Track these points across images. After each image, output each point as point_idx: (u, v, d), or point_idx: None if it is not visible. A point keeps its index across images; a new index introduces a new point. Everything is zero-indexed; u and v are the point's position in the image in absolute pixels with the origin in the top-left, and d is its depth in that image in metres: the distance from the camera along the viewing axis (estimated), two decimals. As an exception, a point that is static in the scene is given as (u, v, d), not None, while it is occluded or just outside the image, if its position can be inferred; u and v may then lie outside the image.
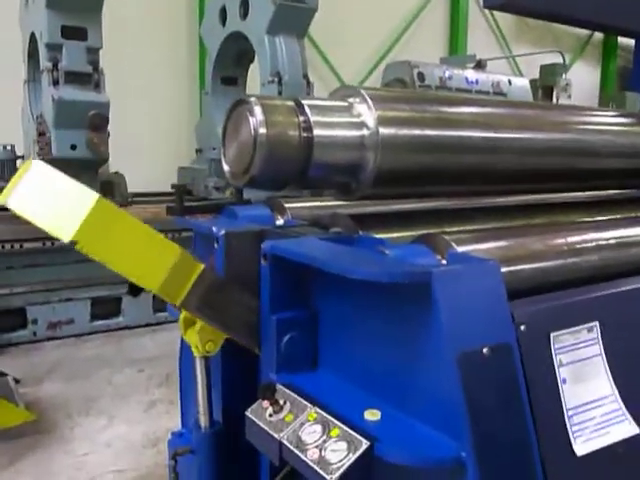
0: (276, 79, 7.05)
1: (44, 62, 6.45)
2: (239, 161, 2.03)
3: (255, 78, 7.92)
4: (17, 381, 5.06)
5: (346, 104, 2.06)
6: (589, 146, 2.53)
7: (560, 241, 2.09)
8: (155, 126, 10.76)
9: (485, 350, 1.55)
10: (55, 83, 6.37)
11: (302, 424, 1.67)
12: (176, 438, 2.59)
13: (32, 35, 6.90)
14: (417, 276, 1.56)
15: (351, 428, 1.58)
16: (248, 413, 1.81)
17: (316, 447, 1.58)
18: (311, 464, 1.54)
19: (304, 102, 2.00)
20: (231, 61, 8.37)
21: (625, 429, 1.80)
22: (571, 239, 2.11)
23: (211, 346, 2.07)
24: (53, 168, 1.75)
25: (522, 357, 1.63)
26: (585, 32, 18.49)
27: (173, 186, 7.57)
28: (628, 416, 1.82)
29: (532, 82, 12.98)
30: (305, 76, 7.31)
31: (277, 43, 7.08)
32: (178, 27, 11.29)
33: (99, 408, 4.93)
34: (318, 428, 1.63)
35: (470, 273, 1.63)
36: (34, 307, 6.34)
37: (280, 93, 6.98)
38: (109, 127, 6.61)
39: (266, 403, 1.77)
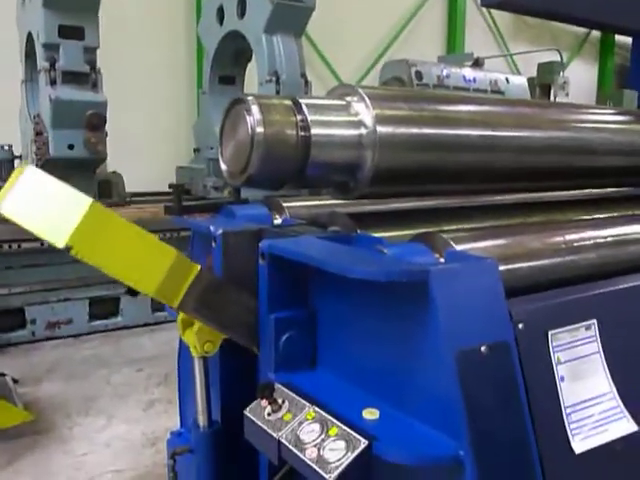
0: (274, 78, 7.04)
1: (41, 62, 6.45)
2: (237, 160, 2.03)
3: (253, 77, 7.91)
4: (16, 381, 5.06)
5: (344, 103, 2.06)
6: (587, 144, 2.53)
7: (558, 239, 2.09)
8: (153, 126, 10.74)
9: (483, 348, 1.55)
10: (52, 83, 6.37)
11: (300, 423, 1.67)
12: (175, 437, 2.60)
13: (29, 35, 6.89)
14: (415, 275, 1.56)
15: (349, 427, 1.58)
16: (247, 412, 1.81)
17: (315, 446, 1.58)
18: (310, 463, 1.54)
19: (301, 101, 2.01)
20: (229, 60, 8.36)
21: (623, 426, 1.80)
22: (569, 237, 2.11)
23: (210, 347, 2.07)
24: (46, 173, 1.75)
25: (520, 355, 1.63)
26: (583, 30, 18.48)
27: (171, 185, 7.57)
28: (626, 413, 1.82)
29: (530, 80, 12.96)
30: (303, 75, 7.30)
31: (275, 42, 7.07)
32: (176, 26, 11.27)
33: (98, 408, 4.93)
34: (316, 427, 1.63)
35: (468, 271, 1.63)
36: (33, 307, 6.35)
37: (278, 92, 6.97)
38: (106, 127, 6.60)
39: (265, 402, 1.77)
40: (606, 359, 1.85)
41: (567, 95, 13.01)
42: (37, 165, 6.66)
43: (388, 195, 2.37)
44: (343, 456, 1.51)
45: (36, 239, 5.84)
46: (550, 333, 1.74)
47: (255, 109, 1.93)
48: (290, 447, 1.62)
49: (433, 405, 1.58)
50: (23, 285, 6.26)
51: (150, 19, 10.80)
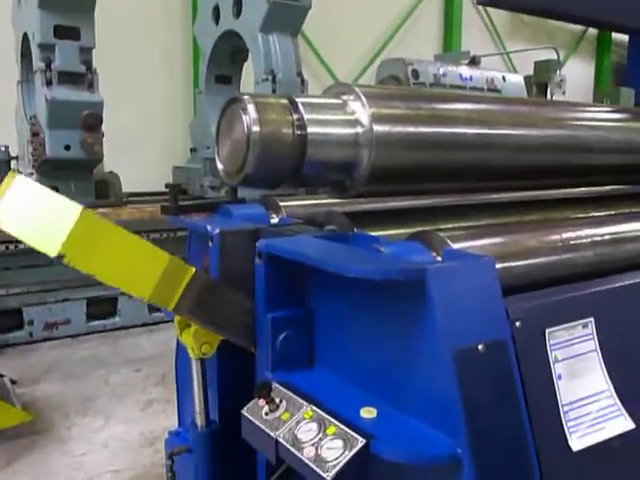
0: (270, 77, 7.04)
1: (37, 62, 6.44)
2: (233, 159, 2.03)
3: (249, 76, 7.91)
4: (14, 382, 5.06)
5: (340, 102, 2.06)
6: (583, 142, 2.53)
7: (555, 237, 2.09)
8: (150, 126, 10.74)
9: (480, 347, 1.55)
10: (48, 83, 6.36)
11: (298, 422, 1.67)
12: (173, 437, 2.60)
13: (25, 35, 6.88)
14: (412, 273, 1.56)
15: (347, 426, 1.58)
16: (244, 412, 1.81)
17: (312, 445, 1.58)
18: (307, 462, 1.54)
19: (298, 100, 2.01)
20: (225, 60, 8.35)
21: (620, 424, 1.80)
22: (566, 235, 2.11)
23: (207, 348, 2.07)
24: (35, 182, 1.75)
25: (517, 353, 1.63)
26: (579, 28, 18.51)
27: (167, 185, 7.55)
28: (623, 411, 1.83)
29: (526, 78, 12.97)
30: (299, 74, 7.30)
31: (271, 41, 7.07)
32: (172, 26, 11.26)
33: (96, 408, 4.93)
34: (314, 426, 1.63)
35: (465, 270, 1.63)
36: (30, 308, 6.34)
37: (274, 91, 6.96)
38: (103, 127, 6.60)
39: (262, 402, 1.76)
40: (603, 357, 1.85)
41: (564, 93, 13.01)
42: (34, 166, 6.66)
43: (385, 194, 2.36)
44: (341, 455, 1.51)
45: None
46: (547, 331, 1.74)
47: (251, 108, 1.93)
48: (288, 446, 1.62)
49: (430, 404, 1.58)
50: (21, 286, 6.26)
51: (146, 19, 10.79)
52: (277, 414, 1.73)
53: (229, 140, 2.05)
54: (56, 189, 6.46)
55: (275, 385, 1.82)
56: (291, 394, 1.78)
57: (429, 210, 2.47)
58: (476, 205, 2.59)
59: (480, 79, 11.72)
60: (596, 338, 1.84)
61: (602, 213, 2.64)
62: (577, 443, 1.71)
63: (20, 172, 7.14)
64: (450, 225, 2.23)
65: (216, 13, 7.88)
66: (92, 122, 6.40)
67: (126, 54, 10.17)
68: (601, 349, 1.85)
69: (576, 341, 1.81)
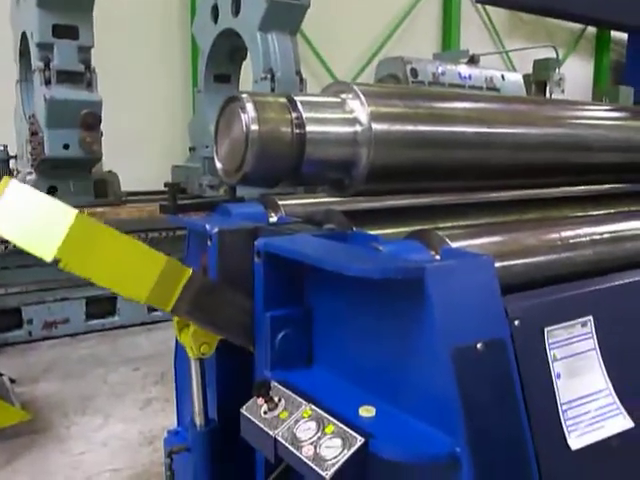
0: (269, 76, 7.03)
1: (35, 62, 6.44)
2: (232, 158, 2.03)
3: (248, 75, 7.90)
4: (13, 381, 5.06)
5: (339, 100, 2.06)
6: (582, 140, 2.53)
7: (554, 236, 2.09)
8: (149, 124, 10.73)
9: (479, 345, 1.55)
10: (47, 82, 6.36)
11: (297, 421, 1.67)
12: (172, 436, 2.60)
13: (23, 34, 6.88)
14: (410, 272, 1.56)
15: (346, 425, 1.58)
16: (243, 410, 1.81)
17: (311, 444, 1.58)
18: (306, 461, 1.54)
19: (296, 98, 2.00)
20: (224, 58, 8.34)
21: (619, 423, 1.80)
22: (565, 234, 2.11)
23: (206, 348, 2.07)
24: (30, 187, 1.74)
25: (516, 352, 1.63)
26: (578, 26, 18.52)
27: (166, 184, 7.56)
28: (622, 410, 1.82)
29: (525, 77, 12.97)
30: (298, 73, 7.29)
31: (269, 40, 7.06)
32: (170, 25, 11.26)
33: (95, 407, 4.93)
34: (313, 425, 1.63)
35: (464, 268, 1.63)
36: (29, 307, 6.35)
37: (273, 90, 6.96)
38: (102, 126, 6.59)
39: (261, 400, 1.76)
40: (602, 356, 1.85)
41: (563, 92, 13.02)
42: (32, 165, 6.66)
43: (383, 192, 2.36)
44: (339, 454, 1.51)
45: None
46: (546, 330, 1.74)
47: (250, 107, 1.92)
48: (286, 445, 1.62)
49: (429, 402, 1.58)
50: (20, 285, 6.26)
51: (145, 18, 10.78)
52: (276, 413, 1.73)
53: (228, 139, 2.05)
54: (55, 188, 6.45)
55: (274, 384, 1.82)
56: (290, 393, 1.78)
57: (428, 209, 2.47)
58: (475, 204, 2.59)
59: (479, 78, 11.72)
60: (595, 337, 1.84)
61: (601, 212, 2.64)
62: (576, 442, 1.71)
63: (19, 171, 7.16)
64: (449, 224, 2.23)
65: (215, 12, 7.87)
66: (91, 121, 6.40)
67: (125, 53, 10.17)
68: (600, 348, 1.85)
69: (575, 340, 1.81)
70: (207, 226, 2.17)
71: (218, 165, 2.15)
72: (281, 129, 1.94)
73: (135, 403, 5.03)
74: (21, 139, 7.24)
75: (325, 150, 2.00)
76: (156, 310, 6.53)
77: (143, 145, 10.51)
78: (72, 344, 6.36)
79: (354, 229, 2.08)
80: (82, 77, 6.49)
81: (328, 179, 2.16)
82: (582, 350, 1.82)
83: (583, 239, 2.15)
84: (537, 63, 13.42)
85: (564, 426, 1.70)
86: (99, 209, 6.62)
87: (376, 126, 1.98)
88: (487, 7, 15.80)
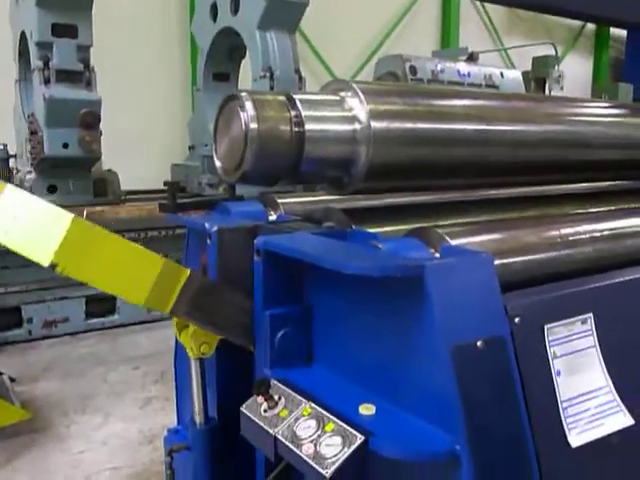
0: (268, 74, 7.03)
1: (35, 61, 6.43)
2: (231, 157, 2.03)
3: (247, 73, 7.90)
4: (13, 380, 5.06)
5: (338, 98, 2.06)
6: (582, 138, 2.53)
7: (553, 233, 2.09)
8: (148, 123, 10.72)
9: (479, 343, 1.55)
10: (46, 82, 6.35)
11: (297, 419, 1.67)
12: (172, 435, 2.60)
13: (22, 33, 6.87)
14: (410, 270, 1.56)
15: (346, 423, 1.58)
16: (243, 409, 1.81)
17: (311, 442, 1.58)
18: (306, 459, 1.54)
19: (295, 96, 2.00)
20: (223, 57, 8.34)
21: (620, 420, 1.80)
22: (564, 231, 2.11)
23: (206, 348, 2.07)
24: (25, 192, 1.74)
25: (516, 350, 1.63)
26: (577, 23, 18.49)
27: (165, 183, 7.55)
28: (623, 407, 1.82)
29: (524, 74, 12.96)
30: (297, 71, 7.29)
31: (268, 38, 7.05)
32: (169, 24, 11.25)
33: (95, 406, 4.93)
34: (313, 423, 1.63)
35: (463, 266, 1.63)
36: (29, 306, 6.34)
37: (272, 88, 6.96)
38: (101, 125, 6.59)
39: (261, 399, 1.76)
40: (602, 353, 1.85)
41: (562, 89, 13.01)
42: (32, 164, 6.66)
43: (383, 190, 2.36)
44: (339, 452, 1.51)
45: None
46: (546, 327, 1.74)
47: (249, 105, 1.92)
48: (286, 443, 1.62)
49: (429, 400, 1.58)
50: (19, 284, 6.25)
51: (144, 17, 10.77)
52: (276, 411, 1.73)
53: (227, 137, 2.05)
54: (54, 187, 6.45)
55: (274, 382, 1.82)
56: (290, 391, 1.78)
57: (427, 206, 2.47)
58: (474, 201, 2.58)
59: (478, 75, 11.70)
60: (595, 334, 1.84)
61: (601, 209, 2.64)
62: (576, 439, 1.71)
63: (19, 170, 7.15)
64: (448, 221, 2.23)
65: (214, 10, 7.87)
66: (90, 120, 6.39)
67: (124, 52, 10.16)
68: (600, 345, 1.85)
69: (575, 337, 1.80)
70: (206, 225, 2.17)
71: (217, 163, 2.15)
72: (280, 127, 1.94)
73: (135, 402, 5.03)
74: (20, 138, 7.24)
75: (324, 148, 2.00)
76: (156, 309, 6.52)
77: (142, 144, 10.50)
78: (72, 343, 6.36)
79: (353, 227, 2.08)
80: (81, 76, 6.49)
81: (327, 177, 2.16)
82: (582, 347, 1.82)
83: (583, 236, 2.15)
84: (536, 60, 13.41)
85: (564, 423, 1.70)
86: (98, 208, 6.61)
87: (375, 124, 1.98)
88: (486, 4, 15.79)
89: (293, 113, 1.97)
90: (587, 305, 1.86)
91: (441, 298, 1.53)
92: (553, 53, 13.30)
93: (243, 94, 1.96)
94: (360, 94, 2.01)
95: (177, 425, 2.76)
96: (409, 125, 2.07)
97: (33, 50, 6.49)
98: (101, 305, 6.68)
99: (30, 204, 1.72)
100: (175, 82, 11.39)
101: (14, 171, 7.42)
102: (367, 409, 1.64)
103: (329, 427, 1.59)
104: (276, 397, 1.76)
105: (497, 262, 1.72)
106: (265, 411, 1.75)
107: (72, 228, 1.67)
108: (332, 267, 1.62)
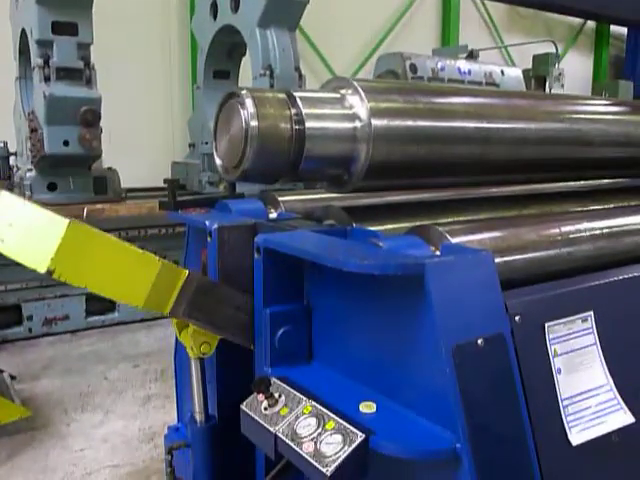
0: (268, 72, 7.02)
1: (35, 59, 6.43)
2: (231, 154, 2.03)
3: (247, 71, 7.89)
4: (13, 377, 5.05)
5: (338, 96, 2.06)
6: (582, 135, 2.53)
7: (554, 231, 2.09)
8: (148, 121, 10.72)
9: (479, 341, 1.54)
10: (46, 79, 6.34)
11: (297, 417, 1.66)
12: (172, 432, 2.60)
13: (22, 31, 6.87)
14: (410, 268, 1.55)
15: (346, 421, 1.58)
16: (243, 407, 1.81)
17: (311, 440, 1.58)
18: (306, 457, 1.54)
19: (296, 94, 2.00)
20: (223, 55, 8.33)
21: (620, 418, 1.80)
22: (565, 229, 2.11)
23: (206, 347, 2.07)
24: (21, 197, 1.74)
25: (516, 348, 1.63)
26: (578, 21, 18.47)
27: (165, 180, 7.54)
28: (623, 405, 1.82)
29: (525, 72, 12.96)
30: (297, 69, 7.28)
31: (268, 36, 7.05)
32: (169, 22, 11.24)
33: (95, 404, 4.93)
34: (313, 421, 1.63)
35: (464, 264, 1.62)
36: (29, 304, 6.34)
37: (272, 86, 6.95)
38: (101, 123, 6.59)
39: (261, 397, 1.76)
40: (603, 351, 1.84)
41: (562, 86, 13.01)
42: (32, 162, 6.65)
43: (383, 188, 2.36)
44: (340, 450, 1.51)
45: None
46: (546, 325, 1.74)
47: (249, 103, 1.92)
48: (287, 441, 1.62)
49: (430, 398, 1.58)
50: (19, 282, 6.25)
51: (144, 15, 10.76)
52: (276, 409, 1.73)
53: (227, 135, 2.05)
54: (54, 185, 6.43)
55: (274, 380, 1.82)
56: (290, 389, 1.78)
57: (428, 204, 2.47)
58: (475, 199, 2.58)
59: (478, 73, 11.69)
60: (595, 332, 1.84)
61: (601, 206, 2.63)
62: (577, 437, 1.71)
63: (19, 168, 7.15)
64: (449, 219, 2.23)
65: (214, 8, 7.86)
66: (90, 118, 6.38)
67: (124, 50, 10.14)
68: (600, 343, 1.84)
69: (575, 335, 1.80)
70: (207, 222, 2.17)
71: (217, 161, 2.15)
72: (280, 125, 1.94)
73: (135, 400, 5.02)
74: (21, 136, 7.24)
75: (324, 146, 2.00)
76: (156, 307, 6.52)
77: (143, 142, 10.49)
78: (72, 341, 6.36)
79: (354, 225, 2.08)
80: (81, 74, 6.47)
81: (327, 175, 2.16)
82: (582, 345, 1.82)
83: (583, 234, 2.15)
84: (536, 58, 13.42)
85: (565, 421, 1.70)
86: (98, 206, 6.61)
87: (375, 122, 1.97)
88: (486, 2, 15.78)
89: (293, 111, 1.96)
90: (587, 303, 1.86)
91: (441, 296, 1.53)
92: (553, 51, 13.31)
93: (243, 91, 1.96)
94: (361, 92, 2.01)
95: (177, 423, 2.76)
96: (410, 123, 2.06)
97: (33, 48, 6.48)
98: (101, 303, 6.67)
99: (25, 210, 1.72)
100: (175, 80, 11.38)
101: (14, 169, 7.41)
102: (367, 407, 1.64)
103: (329, 425, 1.59)
104: (276, 395, 1.76)
105: (497, 260, 1.72)
106: (265, 409, 1.75)
107: (68, 234, 1.67)
108: (332, 265, 1.62)
